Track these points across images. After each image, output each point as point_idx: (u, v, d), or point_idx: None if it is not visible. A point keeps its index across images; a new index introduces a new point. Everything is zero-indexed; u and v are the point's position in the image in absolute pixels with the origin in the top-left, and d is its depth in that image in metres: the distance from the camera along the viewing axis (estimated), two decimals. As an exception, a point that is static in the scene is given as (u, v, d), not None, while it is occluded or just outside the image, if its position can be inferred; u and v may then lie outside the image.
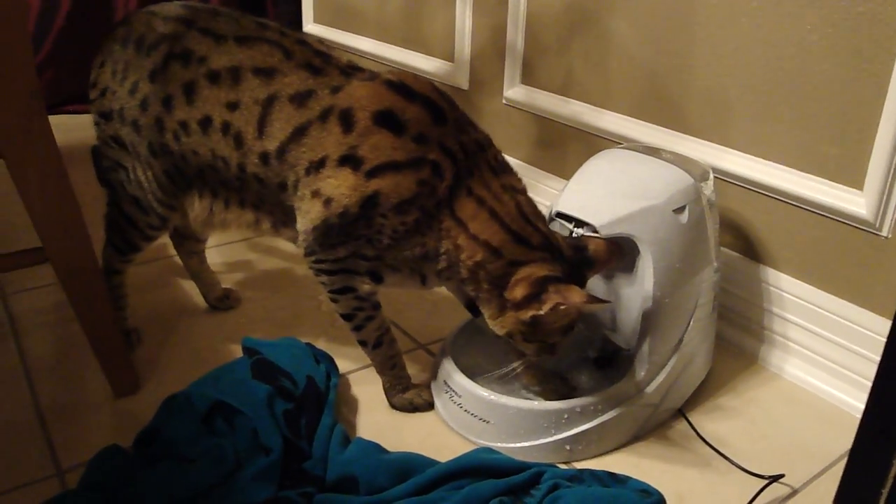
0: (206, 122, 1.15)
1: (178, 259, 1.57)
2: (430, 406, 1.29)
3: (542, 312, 1.07)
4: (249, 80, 1.13)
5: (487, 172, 1.13)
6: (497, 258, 1.10)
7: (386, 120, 1.08)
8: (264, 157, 1.13)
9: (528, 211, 1.13)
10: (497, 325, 1.14)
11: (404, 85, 1.11)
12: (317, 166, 1.10)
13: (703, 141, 1.48)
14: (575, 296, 1.06)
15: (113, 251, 1.35)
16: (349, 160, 1.08)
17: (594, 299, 1.08)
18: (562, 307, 1.06)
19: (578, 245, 1.15)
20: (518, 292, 1.09)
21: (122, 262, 1.37)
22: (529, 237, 1.11)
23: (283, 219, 1.20)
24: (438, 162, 1.09)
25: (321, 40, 1.20)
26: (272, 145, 1.12)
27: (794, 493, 1.14)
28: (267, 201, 1.18)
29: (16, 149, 1.09)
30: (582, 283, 1.13)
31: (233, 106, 1.13)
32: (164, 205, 1.26)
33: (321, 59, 1.15)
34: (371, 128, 1.08)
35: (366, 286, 1.18)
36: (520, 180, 1.16)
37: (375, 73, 1.14)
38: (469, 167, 1.11)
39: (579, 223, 1.21)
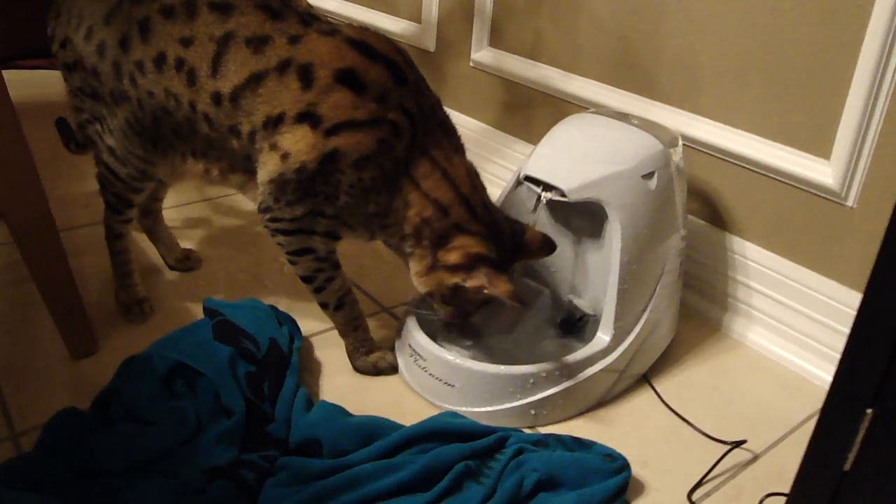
0: (160, 59, 1.11)
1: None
2: (394, 369, 1.28)
3: (465, 285, 1.12)
4: (205, 14, 1.10)
5: (440, 134, 1.14)
6: (444, 217, 1.12)
7: (347, 79, 1.06)
8: (216, 98, 1.10)
9: (473, 175, 1.16)
10: (422, 282, 1.17)
11: (366, 44, 1.09)
12: (274, 122, 1.08)
13: (672, 108, 1.47)
14: (500, 287, 1.09)
15: (110, 212, 1.31)
16: (307, 117, 1.07)
17: (516, 297, 1.09)
18: (484, 290, 1.11)
19: (516, 229, 1.18)
20: (452, 257, 1.13)
21: (120, 223, 1.33)
22: (475, 205, 1.14)
23: (231, 165, 1.18)
24: (397, 122, 1.08)
25: None
26: (226, 87, 1.09)
27: (756, 458, 1.15)
28: (214, 146, 1.16)
29: (-33, 100, 1.05)
30: (507, 267, 1.16)
31: (187, 41, 1.10)
32: (135, 155, 1.22)
33: (280, 1, 1.12)
34: (332, 86, 1.06)
35: (324, 246, 1.17)
36: (462, 143, 1.18)
37: (334, 25, 1.12)
38: (425, 128, 1.12)
39: (548, 187, 1.20)
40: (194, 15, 1.10)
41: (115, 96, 1.17)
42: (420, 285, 1.18)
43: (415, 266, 1.17)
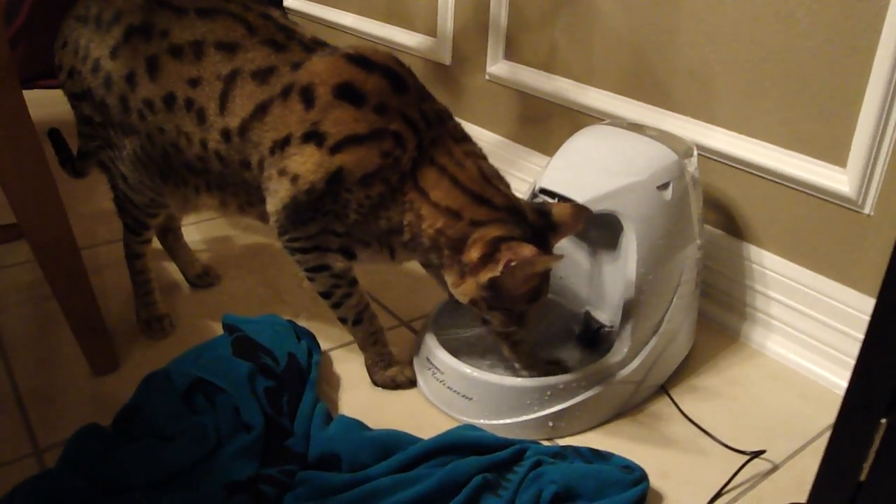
0: (169, 99, 1.13)
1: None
2: (412, 383, 1.28)
3: (497, 274, 1.04)
4: (212, 55, 1.11)
5: (449, 140, 1.12)
6: (457, 220, 1.08)
7: (346, 92, 1.07)
8: (226, 134, 1.12)
9: (490, 174, 1.12)
10: (460, 293, 1.11)
11: (363, 57, 1.10)
12: (281, 145, 1.09)
13: (687, 118, 1.47)
14: (525, 250, 1.02)
15: (128, 233, 1.34)
16: (313, 136, 1.07)
17: (545, 254, 1.05)
18: (512, 263, 1.02)
19: (542, 210, 1.11)
20: (473, 254, 1.07)
21: (139, 244, 1.35)
22: (491, 197, 1.09)
23: (248, 199, 1.19)
24: (400, 132, 1.07)
25: (286, 14, 1.19)
26: (234, 122, 1.10)
27: (775, 468, 1.14)
28: (230, 182, 1.17)
29: (-11, 123, 1.06)
30: (546, 247, 1.10)
31: (195, 82, 1.12)
32: (146, 185, 1.24)
33: (284, 35, 1.13)
34: (332, 102, 1.07)
35: (340, 263, 1.18)
36: (480, 148, 1.15)
37: (337, 48, 1.13)
38: (432, 137, 1.10)
39: (563, 199, 1.20)
40: (202, 56, 1.11)
41: (123, 128, 1.18)
42: (461, 296, 1.11)
43: (449, 279, 1.12)
